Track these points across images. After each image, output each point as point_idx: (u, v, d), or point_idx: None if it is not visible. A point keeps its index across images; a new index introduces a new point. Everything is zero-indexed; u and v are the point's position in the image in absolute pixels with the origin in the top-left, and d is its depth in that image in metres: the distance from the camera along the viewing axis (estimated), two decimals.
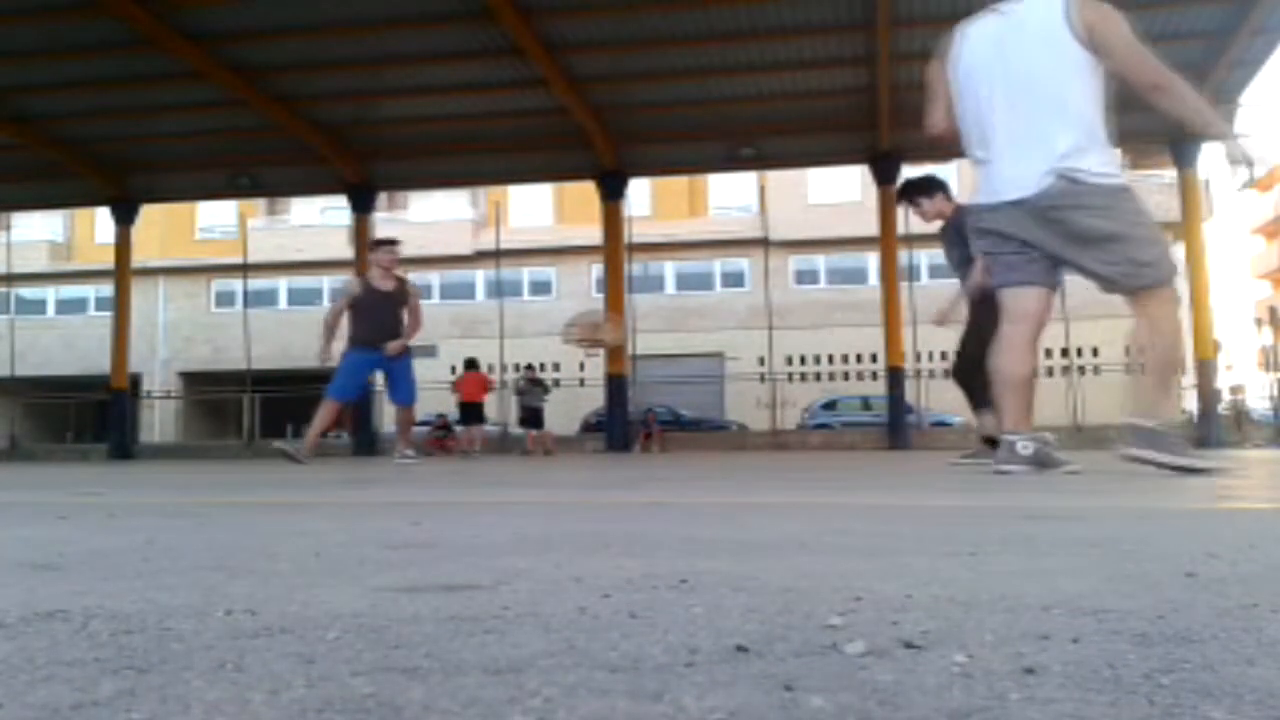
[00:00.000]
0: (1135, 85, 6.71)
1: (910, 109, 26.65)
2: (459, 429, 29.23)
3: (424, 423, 36.05)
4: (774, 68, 25.22)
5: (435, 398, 33.48)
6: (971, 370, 10.48)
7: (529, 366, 30.57)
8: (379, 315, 14.77)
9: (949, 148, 7.21)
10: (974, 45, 6.91)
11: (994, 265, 7.09)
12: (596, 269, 44.23)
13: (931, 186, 10.91)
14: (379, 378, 15.99)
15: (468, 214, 55.20)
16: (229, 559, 2.76)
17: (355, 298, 14.84)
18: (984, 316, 9.68)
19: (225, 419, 49.38)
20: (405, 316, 15.08)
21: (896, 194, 11.30)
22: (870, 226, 30.79)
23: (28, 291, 55.56)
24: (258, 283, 48.21)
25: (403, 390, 15.10)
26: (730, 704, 1.22)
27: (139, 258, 36.30)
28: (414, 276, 50.49)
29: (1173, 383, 7.26)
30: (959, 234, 10.03)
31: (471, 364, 28.78)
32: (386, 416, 31.88)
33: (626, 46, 24.43)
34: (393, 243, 15.35)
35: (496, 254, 40.27)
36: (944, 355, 47.24)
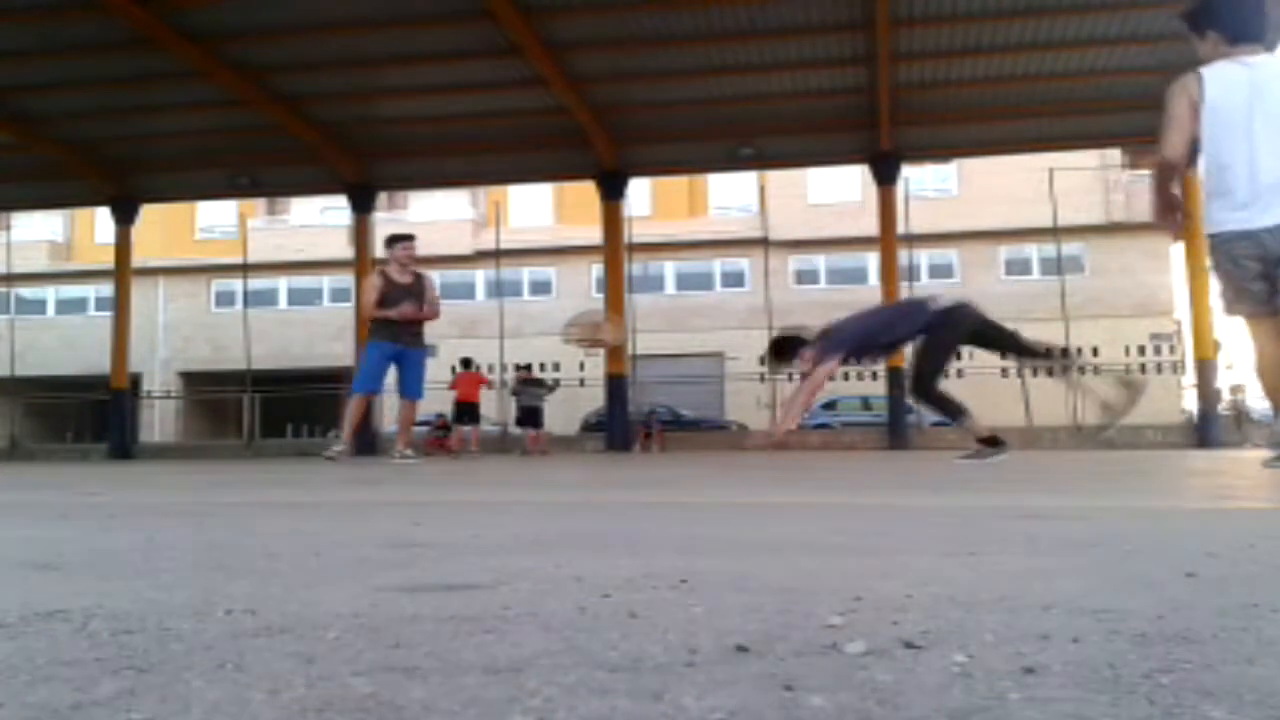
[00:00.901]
0: None
1: (910, 108, 26.64)
2: (455, 429, 29.18)
3: (423, 422, 36.09)
4: (774, 67, 25.21)
5: (434, 397, 33.48)
6: (928, 387, 11.24)
7: (524, 366, 30.44)
8: (399, 304, 14.85)
9: (1172, 171, 7.57)
10: (1226, 89, 7.30)
11: (1231, 290, 7.43)
12: (596, 269, 44.13)
13: (796, 345, 11.19)
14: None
15: (468, 214, 55.08)
16: (229, 559, 2.76)
17: (380, 290, 14.91)
18: (931, 342, 11.02)
19: (225, 419, 49.33)
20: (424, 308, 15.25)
21: (770, 359, 11.66)
22: (870, 226, 30.69)
23: (28, 291, 55.47)
24: (257, 282, 48.10)
25: (412, 384, 15.15)
26: (730, 704, 1.22)
27: (139, 258, 36.27)
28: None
29: None
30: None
31: (467, 363, 28.67)
32: (387, 415, 31.86)
33: (626, 46, 24.40)
34: (409, 238, 15.46)
35: (496, 254, 40.26)
36: None
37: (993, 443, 11.02)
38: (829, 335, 10.98)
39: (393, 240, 15.42)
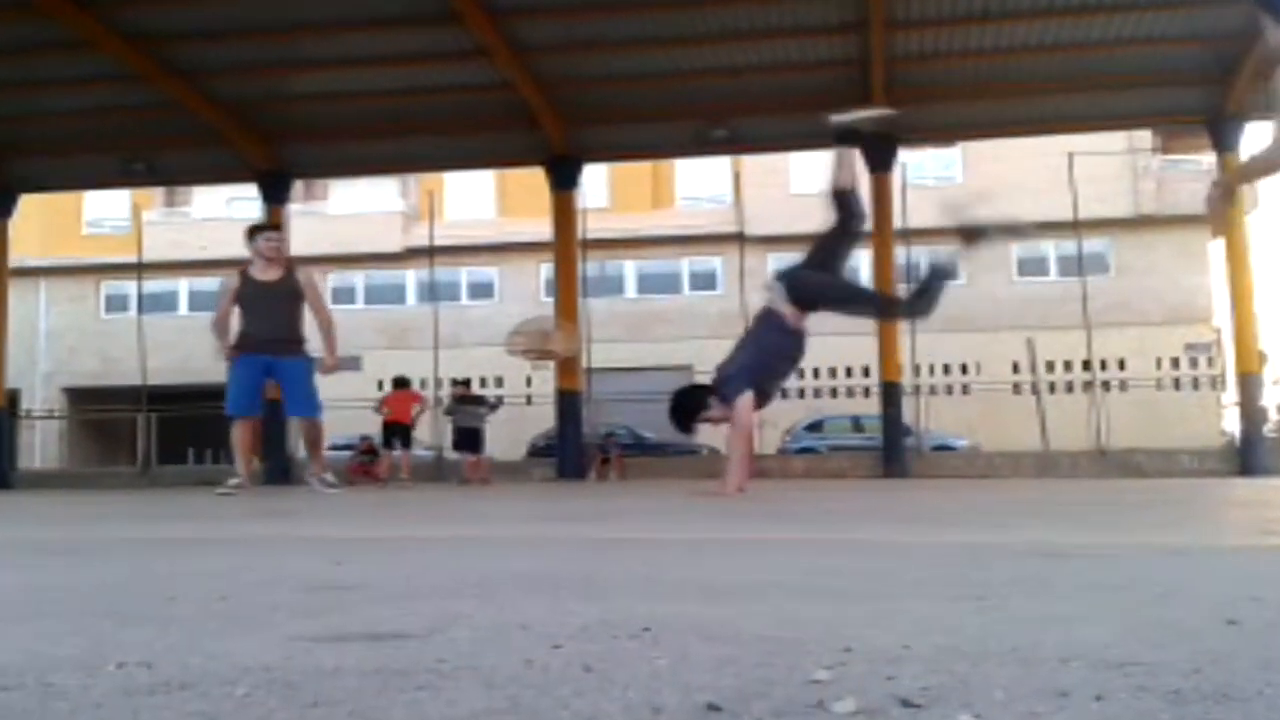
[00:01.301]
0: None
1: (908, 84, 26.60)
2: (383, 453, 28.99)
3: (345, 446, 35.99)
4: (751, 36, 25.18)
5: (360, 418, 33.42)
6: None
7: (461, 382, 30.29)
8: (264, 311, 14.00)
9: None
10: None
11: None
12: (546, 269, 44.12)
13: (700, 396, 11.43)
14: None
15: (397, 205, 54.94)
16: (122, 603, 2.75)
17: (237, 293, 14.06)
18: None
19: (117, 442, 49.13)
20: (298, 312, 14.33)
21: (676, 421, 11.88)
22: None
23: None
24: (154, 284, 47.89)
25: (299, 399, 14.14)
26: None
27: (16, 256, 36.03)
28: (335, 279, 49.97)
29: None
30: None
31: (402, 383, 28.52)
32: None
33: (579, 11, 24.36)
34: (275, 228, 14.91)
35: (430, 251, 40.07)
36: (947, 369, 47.46)
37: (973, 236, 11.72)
38: (724, 378, 11.23)
39: (253, 231, 14.55)
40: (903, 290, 11.68)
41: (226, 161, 30.58)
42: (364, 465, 29.01)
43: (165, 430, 38.29)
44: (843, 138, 12.10)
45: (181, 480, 30.09)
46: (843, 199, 11.81)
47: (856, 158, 11.91)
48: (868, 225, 12.76)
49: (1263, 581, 2.98)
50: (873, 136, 27.32)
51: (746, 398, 10.86)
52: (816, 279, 11.59)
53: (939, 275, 11.93)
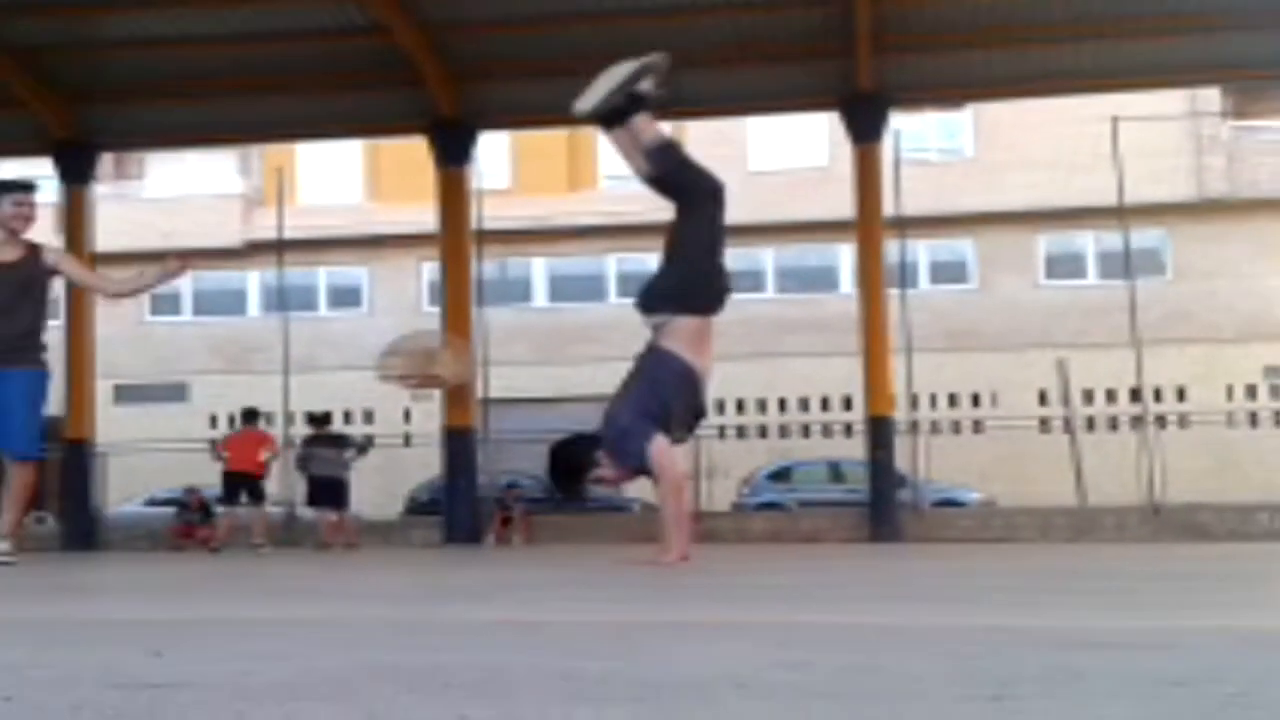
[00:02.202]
0: None
1: (902, 28, 26.64)
2: (220, 510, 28.60)
3: (168, 501, 35.85)
4: None
5: (187, 462, 33.31)
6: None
7: (319, 417, 29.98)
8: None
9: None
10: None
11: None
12: (429, 269, 44.12)
13: (585, 448, 11.57)
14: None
15: (235, 187, 54.79)
16: None
17: None
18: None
19: None
20: (43, 305, 12.97)
21: (558, 480, 11.99)
22: (842, 205, 30.73)
23: None
24: None
25: (13, 431, 12.50)
26: None
27: None
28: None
29: None
30: None
31: (250, 415, 28.15)
32: (117, 483, 31.63)
33: None
34: (27, 188, 13.07)
35: (278, 246, 39.90)
36: (953, 399, 47.71)
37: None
38: (619, 423, 11.13)
39: None
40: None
41: (13, 128, 30.50)
42: (189, 526, 28.76)
43: None
44: (609, 119, 11.94)
45: None
46: (666, 183, 12.00)
47: (645, 128, 11.75)
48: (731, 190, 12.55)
49: None
50: (858, 96, 27.51)
51: (659, 444, 10.83)
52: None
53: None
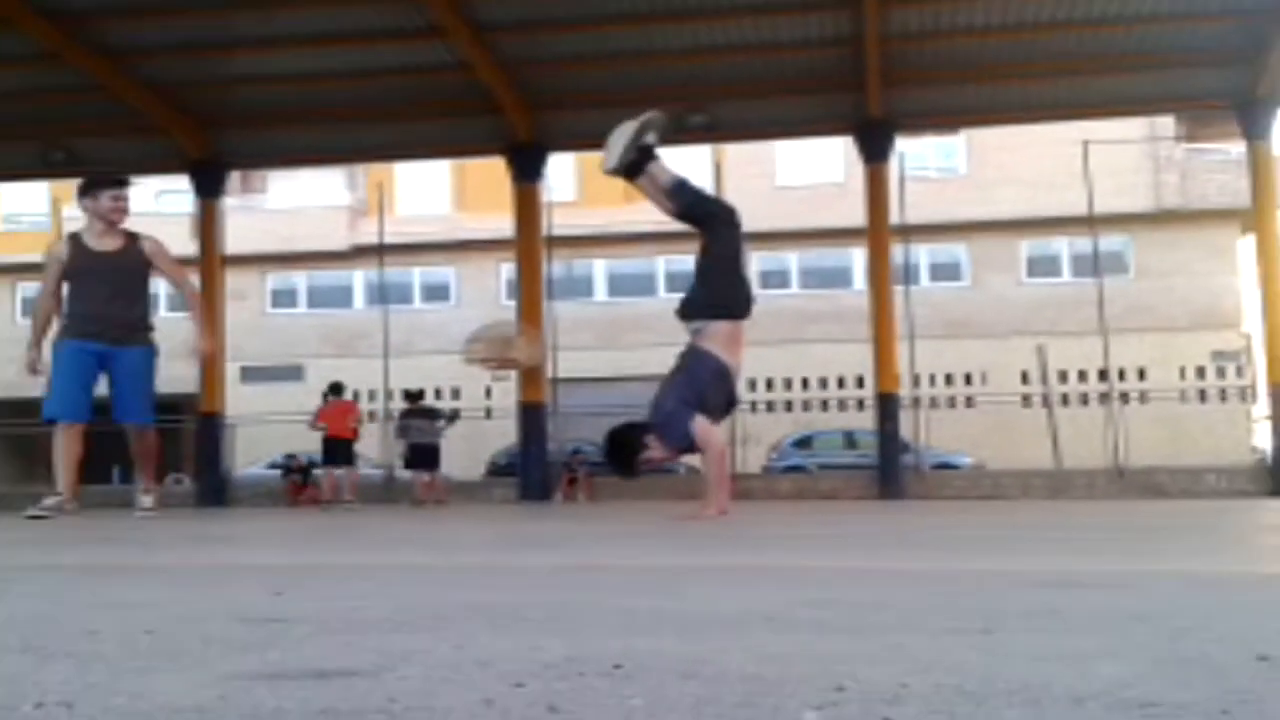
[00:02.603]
0: None
1: (906, 65, 26.61)
2: (319, 472, 29.03)
3: (275, 466, 35.97)
4: (733, 12, 25.18)
5: (301, 433, 33.42)
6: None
7: (414, 394, 29.99)
8: (101, 288, 12.25)
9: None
10: None
11: None
12: (507, 269, 43.98)
13: (639, 434, 11.52)
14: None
15: (343, 199, 54.89)
16: (39, 638, 2.73)
17: (65, 266, 12.31)
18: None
19: (36, 459, 48.91)
20: (144, 291, 12.70)
21: (617, 466, 11.91)
22: (855, 215, 30.74)
23: None
24: None
25: (130, 402, 12.48)
26: None
27: None
28: (274, 279, 49.95)
29: None
30: None
31: (335, 389, 28.07)
32: (244, 449, 31.69)
33: None
34: (122, 183, 12.62)
35: (379, 250, 39.99)
36: (949, 379, 47.53)
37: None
38: (665, 409, 11.25)
39: (91, 186, 12.52)
40: None
41: (155, 150, 30.43)
42: (299, 485, 28.74)
43: (91, 446, 38.18)
44: (631, 170, 12.08)
45: (107, 500, 29.79)
46: (689, 216, 12.04)
47: (660, 173, 11.83)
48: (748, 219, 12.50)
49: None
50: (869, 123, 27.42)
51: (700, 423, 10.93)
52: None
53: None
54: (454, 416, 29.99)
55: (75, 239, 12.32)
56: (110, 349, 12.03)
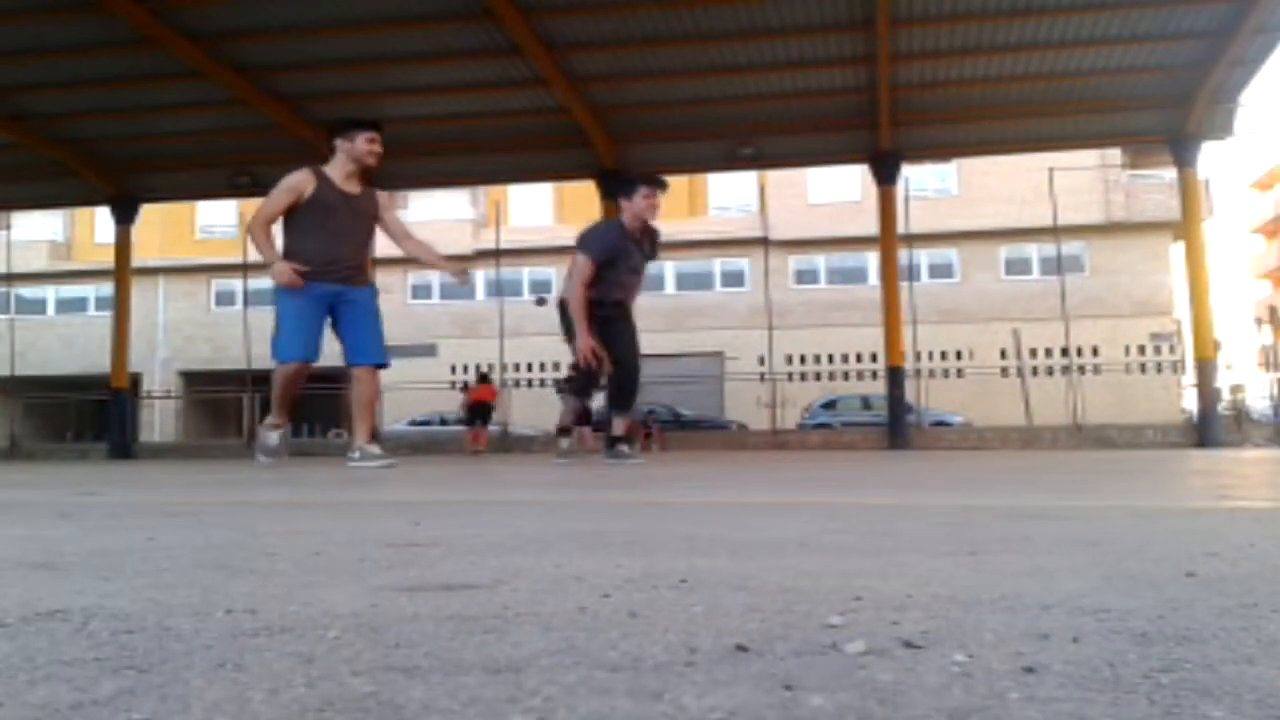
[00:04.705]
0: None
1: (910, 108, 26.64)
2: (466, 428, 30.88)
3: (424, 423, 36.22)
4: (773, 67, 25.18)
5: (434, 399, 33.62)
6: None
7: (484, 376, 32.00)
8: (339, 229, 10.40)
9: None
10: None
11: None
12: None
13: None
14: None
15: (468, 213, 55.03)
16: (229, 558, 2.75)
17: (308, 199, 10.26)
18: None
19: (225, 418, 49.15)
20: (372, 239, 11.01)
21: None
22: (870, 226, 30.82)
23: (28, 291, 55.43)
24: (257, 282, 47.99)
25: (364, 343, 10.44)
26: (730, 703, 1.22)
27: (139, 257, 36.26)
28: (414, 277, 50.06)
29: None
30: None
31: (484, 377, 30.10)
32: (389, 410, 31.80)
33: (625, 45, 24.38)
34: (376, 126, 10.75)
35: (496, 253, 40.21)
36: (944, 355, 47.36)
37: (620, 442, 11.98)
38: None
39: (348, 125, 10.74)
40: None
41: None
42: (476, 432, 29.86)
43: (267, 408, 38.44)
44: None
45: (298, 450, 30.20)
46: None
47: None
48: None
49: (1218, 539, 2.96)
50: (881, 154, 27.35)
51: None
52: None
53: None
54: (563, 385, 30.29)
55: (322, 175, 10.37)
56: (343, 288, 10.22)
